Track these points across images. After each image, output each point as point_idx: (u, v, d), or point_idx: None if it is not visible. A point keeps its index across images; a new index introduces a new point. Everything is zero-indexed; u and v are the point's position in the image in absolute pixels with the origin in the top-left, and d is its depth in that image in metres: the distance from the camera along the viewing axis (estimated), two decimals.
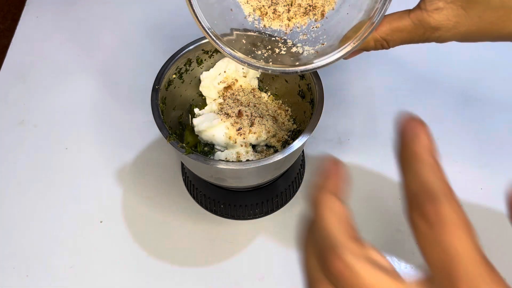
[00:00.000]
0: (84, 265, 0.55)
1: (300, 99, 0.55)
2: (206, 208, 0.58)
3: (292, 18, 0.44)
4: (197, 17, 0.42)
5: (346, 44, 0.41)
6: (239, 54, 0.43)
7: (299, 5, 0.44)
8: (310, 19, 0.44)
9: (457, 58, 0.68)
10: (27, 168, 0.62)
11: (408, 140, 0.27)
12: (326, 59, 0.42)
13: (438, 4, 0.38)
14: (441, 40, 0.39)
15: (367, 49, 0.42)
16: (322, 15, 0.44)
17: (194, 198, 0.59)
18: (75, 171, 0.61)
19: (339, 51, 0.41)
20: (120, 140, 0.64)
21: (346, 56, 0.41)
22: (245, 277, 0.54)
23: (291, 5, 0.44)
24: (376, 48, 0.41)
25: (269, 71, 0.43)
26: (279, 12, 0.44)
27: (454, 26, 0.38)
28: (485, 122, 0.64)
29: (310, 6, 0.44)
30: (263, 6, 0.44)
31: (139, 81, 0.68)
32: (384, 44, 0.41)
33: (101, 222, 0.58)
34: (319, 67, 0.42)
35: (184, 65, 0.55)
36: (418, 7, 0.39)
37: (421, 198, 0.25)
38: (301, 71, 0.42)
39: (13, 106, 0.67)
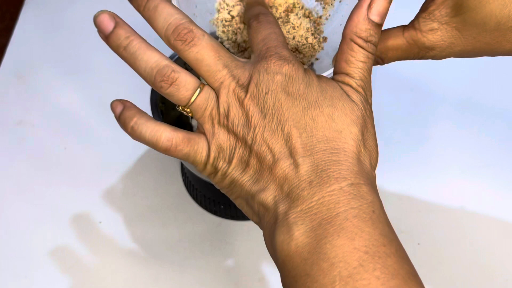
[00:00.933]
0: (83, 265, 0.55)
1: None
2: (205, 208, 0.58)
3: None
4: None
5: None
6: None
7: None
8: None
9: (457, 59, 0.68)
10: (25, 168, 0.61)
11: None
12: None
13: (433, 25, 0.38)
14: (436, 58, 0.40)
15: None
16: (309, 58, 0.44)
17: (193, 198, 0.59)
18: (74, 171, 0.61)
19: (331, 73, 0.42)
20: (119, 140, 0.63)
21: None
22: (245, 278, 0.54)
23: None
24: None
25: None
26: None
27: (449, 46, 0.39)
28: (487, 122, 0.64)
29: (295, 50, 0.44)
30: None
31: (138, 80, 0.67)
32: (379, 61, 0.42)
33: (100, 222, 0.58)
34: None
35: (184, 64, 0.54)
36: (412, 26, 0.39)
37: (258, 13, 0.37)
38: None
39: (11, 106, 0.67)
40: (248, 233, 0.56)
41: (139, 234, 0.57)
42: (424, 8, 0.38)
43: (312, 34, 0.43)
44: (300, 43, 0.43)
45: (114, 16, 0.35)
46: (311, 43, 0.43)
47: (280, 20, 0.43)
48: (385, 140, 0.63)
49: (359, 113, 0.33)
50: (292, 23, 0.43)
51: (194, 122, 0.54)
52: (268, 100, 0.32)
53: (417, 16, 0.39)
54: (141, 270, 0.55)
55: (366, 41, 0.34)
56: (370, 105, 0.35)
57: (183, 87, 0.33)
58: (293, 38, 0.43)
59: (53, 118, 0.66)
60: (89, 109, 0.66)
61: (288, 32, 0.43)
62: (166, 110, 0.53)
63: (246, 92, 0.33)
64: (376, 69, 0.68)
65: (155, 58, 0.33)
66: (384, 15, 0.35)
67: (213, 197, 0.57)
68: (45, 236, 0.57)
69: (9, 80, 0.69)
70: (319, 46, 0.43)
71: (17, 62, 0.71)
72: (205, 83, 0.34)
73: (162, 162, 0.62)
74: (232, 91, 0.33)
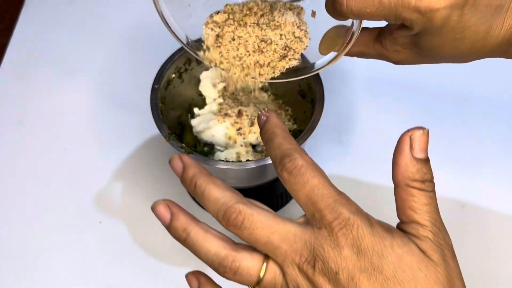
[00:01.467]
0: (83, 265, 0.55)
1: (301, 98, 0.55)
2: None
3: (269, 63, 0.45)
4: (174, 33, 0.43)
5: (324, 62, 0.43)
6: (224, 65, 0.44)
7: (274, 50, 0.44)
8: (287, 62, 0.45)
9: None
10: (25, 168, 0.62)
11: (263, 122, 0.37)
12: (303, 74, 0.44)
13: (397, 48, 0.41)
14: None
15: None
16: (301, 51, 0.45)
17: (193, 198, 0.59)
18: (74, 171, 0.61)
19: (315, 70, 0.44)
20: (119, 140, 0.63)
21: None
22: None
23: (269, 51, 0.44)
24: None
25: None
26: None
27: (413, 62, 0.42)
28: (486, 121, 0.64)
29: (287, 47, 0.44)
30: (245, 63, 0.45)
31: (138, 80, 0.68)
32: (356, 57, 0.45)
33: (100, 222, 0.58)
34: (297, 79, 0.44)
35: (184, 64, 0.54)
36: (380, 42, 0.42)
37: (282, 158, 0.33)
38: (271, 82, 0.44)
39: (11, 106, 0.67)
40: None
41: (139, 234, 0.57)
42: (390, 31, 0.41)
43: (298, 27, 0.43)
44: (289, 40, 0.43)
45: (169, 205, 0.35)
46: (299, 37, 0.43)
47: (266, 18, 0.43)
48: (385, 140, 0.62)
49: (443, 278, 0.31)
50: (278, 21, 0.43)
51: (193, 123, 0.54)
52: (341, 280, 0.30)
53: (385, 35, 0.41)
54: (141, 270, 0.55)
55: (423, 181, 0.32)
56: (451, 247, 0.33)
57: (246, 273, 0.33)
58: (281, 37, 0.43)
59: (52, 118, 0.66)
60: (89, 109, 0.66)
61: (275, 34, 0.43)
62: (166, 110, 0.53)
63: (313, 268, 0.31)
64: (375, 68, 0.68)
65: (213, 249, 0.33)
66: (427, 148, 0.33)
67: None
68: (45, 236, 0.57)
69: (9, 80, 0.69)
70: (306, 37, 0.44)
71: (17, 62, 0.71)
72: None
73: (162, 162, 0.62)
74: (298, 269, 0.31)
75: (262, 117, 0.37)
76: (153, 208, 0.35)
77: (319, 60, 0.44)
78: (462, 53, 0.39)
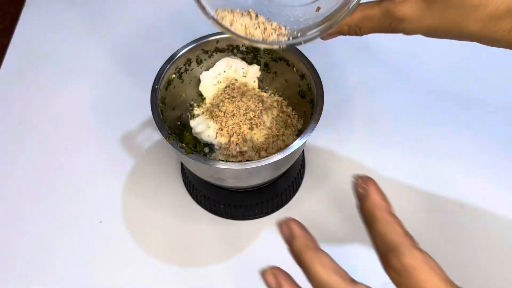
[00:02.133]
0: (83, 265, 0.55)
1: (300, 98, 0.55)
2: (206, 208, 0.58)
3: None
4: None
5: (323, 26, 0.43)
6: (238, 32, 0.44)
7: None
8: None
9: (457, 58, 0.68)
10: (26, 168, 0.62)
11: (362, 198, 0.32)
12: (304, 37, 0.43)
13: None
14: (406, 31, 0.42)
15: (342, 33, 0.44)
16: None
17: (193, 198, 0.59)
18: (75, 171, 0.61)
19: (315, 31, 0.43)
20: (119, 140, 0.64)
21: (323, 36, 0.43)
22: (245, 278, 0.54)
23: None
24: (349, 33, 0.44)
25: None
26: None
27: (418, 19, 0.41)
28: (486, 122, 0.64)
29: None
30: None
31: (138, 80, 0.68)
32: (357, 30, 0.43)
33: (100, 222, 0.58)
34: (297, 43, 0.44)
35: (184, 64, 0.54)
36: None
37: (386, 253, 0.29)
38: (279, 44, 0.44)
39: (12, 106, 0.67)
40: (248, 233, 0.56)
41: (139, 234, 0.57)
42: None
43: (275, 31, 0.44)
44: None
45: (275, 273, 0.33)
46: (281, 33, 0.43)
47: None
48: (385, 140, 0.63)
49: None
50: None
51: (193, 123, 0.54)
52: None
53: None
54: (141, 270, 0.55)
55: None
56: None
57: None
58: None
59: (53, 118, 0.66)
60: (89, 109, 0.66)
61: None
62: (166, 110, 0.53)
63: None
64: (374, 67, 0.68)
65: None
66: None
67: (213, 197, 0.57)
68: (45, 236, 0.57)
69: (10, 80, 0.70)
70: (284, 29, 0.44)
71: (18, 62, 0.71)
72: None
73: (162, 162, 0.62)
74: None
75: (359, 189, 0.32)
76: (262, 275, 0.33)
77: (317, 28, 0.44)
78: None
